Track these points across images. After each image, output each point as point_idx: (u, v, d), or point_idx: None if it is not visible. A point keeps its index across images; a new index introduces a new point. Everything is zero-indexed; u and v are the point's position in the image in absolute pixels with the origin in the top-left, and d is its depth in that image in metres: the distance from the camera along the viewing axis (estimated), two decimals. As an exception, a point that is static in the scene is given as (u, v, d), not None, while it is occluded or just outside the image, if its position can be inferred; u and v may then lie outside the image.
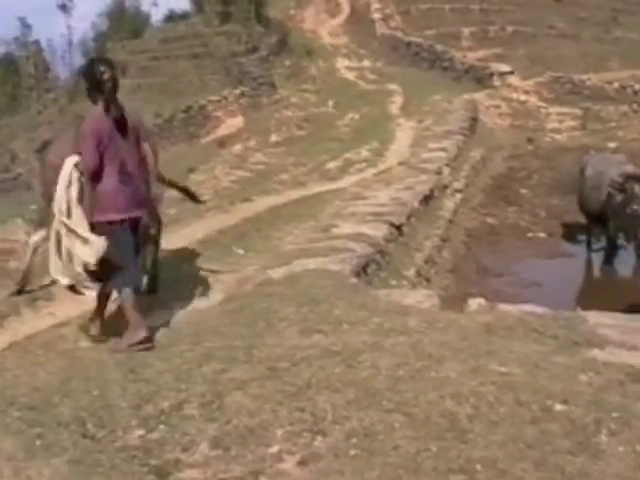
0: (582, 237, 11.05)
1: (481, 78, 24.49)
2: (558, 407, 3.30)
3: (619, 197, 9.12)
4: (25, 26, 70.28)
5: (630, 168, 9.44)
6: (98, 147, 4.83)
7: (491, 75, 23.95)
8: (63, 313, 6.24)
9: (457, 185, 12.84)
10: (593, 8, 35.78)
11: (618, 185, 9.14)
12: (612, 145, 17.35)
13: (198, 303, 5.89)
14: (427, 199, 10.50)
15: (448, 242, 10.42)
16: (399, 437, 3.12)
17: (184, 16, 50.30)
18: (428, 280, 8.55)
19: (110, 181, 4.88)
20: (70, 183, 4.94)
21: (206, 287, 6.44)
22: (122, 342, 4.81)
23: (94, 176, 4.83)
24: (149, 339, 4.81)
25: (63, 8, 74.98)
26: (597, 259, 10.49)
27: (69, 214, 4.91)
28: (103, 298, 5.28)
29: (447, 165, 12.86)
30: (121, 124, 4.99)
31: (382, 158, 14.53)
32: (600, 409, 3.27)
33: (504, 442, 3.05)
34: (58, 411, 3.64)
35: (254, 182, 13.08)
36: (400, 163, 13.19)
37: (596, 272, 10.40)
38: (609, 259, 10.23)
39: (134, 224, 5.03)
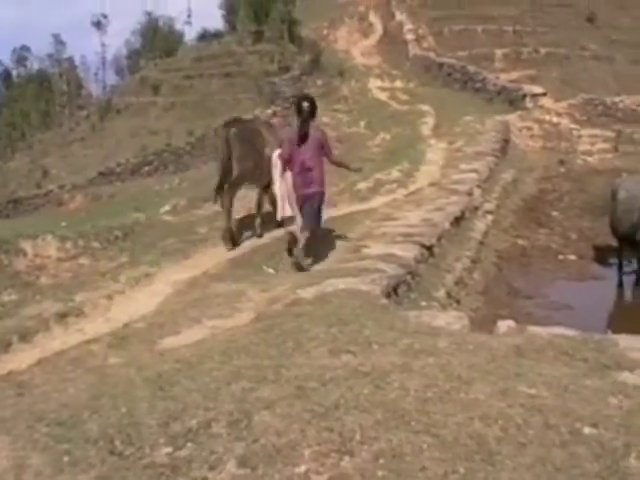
0: (613, 260, 10.95)
1: (513, 100, 24.45)
2: (587, 430, 3.28)
3: None
4: (59, 43, 71.56)
5: None
6: (290, 148, 8.32)
7: (523, 97, 23.90)
8: (92, 330, 6.32)
9: (488, 206, 12.79)
10: (626, 30, 35.57)
11: None
12: (644, 168, 17.20)
13: (228, 322, 5.93)
14: (458, 220, 10.48)
15: (479, 263, 10.37)
16: (427, 458, 3.11)
17: (217, 35, 50.87)
18: (458, 301, 8.52)
19: (293, 173, 8.39)
20: (275, 165, 8.82)
21: (236, 306, 6.47)
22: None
23: (285, 163, 8.48)
24: (299, 266, 8.03)
25: (97, 25, 76.28)
26: (628, 282, 10.39)
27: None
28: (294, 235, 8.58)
29: (478, 186, 12.82)
30: (305, 137, 8.28)
31: (413, 179, 14.50)
32: (629, 432, 3.25)
33: (532, 465, 3.03)
34: (86, 427, 3.67)
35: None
36: (431, 184, 13.16)
37: (627, 295, 10.31)
38: (640, 282, 10.18)
39: (310, 196, 8.32)
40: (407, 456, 3.15)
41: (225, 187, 9.45)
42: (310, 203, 8.39)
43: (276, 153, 8.84)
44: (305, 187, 8.33)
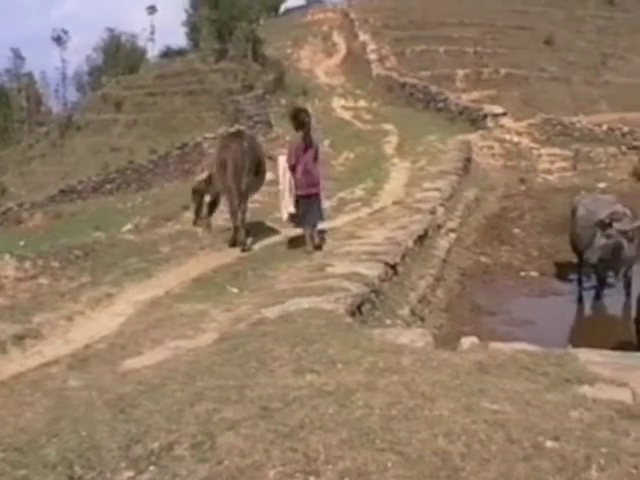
0: (574, 276, 11.08)
1: (475, 119, 24.77)
2: (549, 444, 3.31)
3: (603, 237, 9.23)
4: (18, 57, 70.38)
5: (618, 208, 9.52)
6: (296, 154, 9.53)
7: (484, 116, 24.24)
8: (51, 352, 6.20)
9: (451, 225, 12.89)
10: (583, 52, 36.42)
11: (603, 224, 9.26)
12: (602, 185, 17.59)
13: (191, 342, 5.87)
14: (421, 238, 10.54)
15: (442, 281, 10.43)
16: (392, 476, 3.11)
17: (180, 52, 50.83)
18: (422, 319, 8.55)
19: (299, 174, 9.57)
20: (285, 171, 9.88)
21: (200, 326, 6.42)
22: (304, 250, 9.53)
23: (292, 168, 9.65)
24: (312, 251, 9.46)
25: (58, 40, 75.58)
26: (588, 297, 10.53)
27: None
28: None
29: (441, 205, 12.93)
30: (309, 145, 9.61)
31: (376, 197, 14.59)
32: (590, 445, 3.29)
33: (496, 479, 3.04)
34: (44, 452, 3.58)
35: (248, 220, 13.10)
36: (394, 203, 13.24)
37: (587, 310, 10.44)
38: (599, 297, 10.31)
39: (311, 195, 9.64)
40: (372, 474, 3.14)
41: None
42: (314, 201, 9.75)
43: (283, 159, 9.90)
44: (310, 187, 9.65)
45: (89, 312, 7.63)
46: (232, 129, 15.53)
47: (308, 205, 9.75)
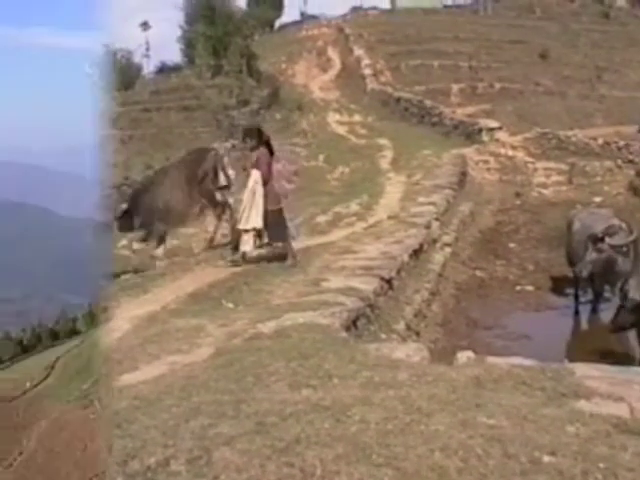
0: (570, 290, 11.09)
1: (470, 133, 24.83)
2: (546, 459, 3.30)
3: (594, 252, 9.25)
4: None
5: (614, 223, 9.54)
6: (269, 169, 9.50)
7: (480, 131, 24.30)
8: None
9: (446, 239, 12.91)
10: (578, 66, 36.55)
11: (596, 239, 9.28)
12: (597, 199, 17.65)
13: (187, 357, 5.86)
14: (417, 253, 10.55)
15: (438, 295, 10.44)
16: (388, 492, 3.10)
17: (175, 68, 50.81)
18: (418, 333, 8.55)
19: (270, 189, 9.45)
20: (256, 184, 9.31)
21: (195, 341, 6.41)
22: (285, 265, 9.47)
23: (265, 183, 9.37)
24: (293, 264, 9.47)
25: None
26: (584, 311, 10.53)
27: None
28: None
29: (436, 219, 12.96)
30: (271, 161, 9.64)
31: (372, 212, 14.61)
32: (587, 460, 3.28)
33: (493, 496, 3.04)
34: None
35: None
36: (390, 217, 13.26)
37: (583, 324, 10.44)
38: (596, 311, 10.31)
39: (280, 210, 9.53)
40: (369, 490, 3.13)
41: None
42: (283, 215, 9.72)
43: (257, 174, 9.49)
44: (280, 202, 9.69)
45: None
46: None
47: (280, 219, 9.65)
